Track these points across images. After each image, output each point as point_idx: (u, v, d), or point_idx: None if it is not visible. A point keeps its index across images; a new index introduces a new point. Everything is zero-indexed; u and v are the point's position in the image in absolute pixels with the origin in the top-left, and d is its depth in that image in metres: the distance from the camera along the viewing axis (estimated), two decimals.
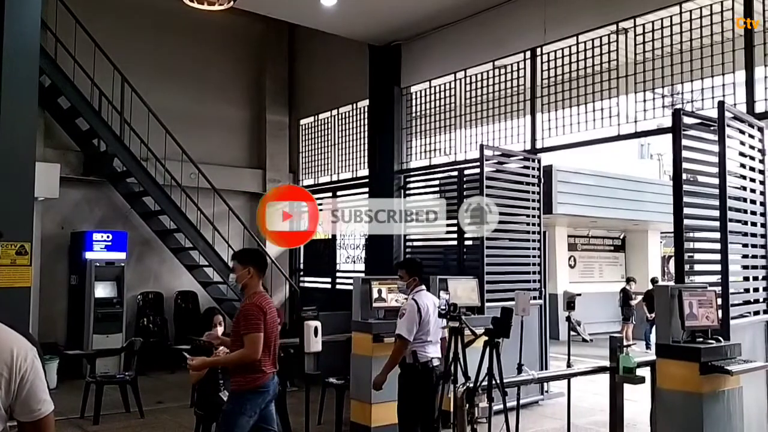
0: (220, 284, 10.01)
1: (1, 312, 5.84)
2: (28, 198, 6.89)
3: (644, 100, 6.87)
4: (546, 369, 7.52)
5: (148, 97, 9.27)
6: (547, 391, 7.70)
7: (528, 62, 8.01)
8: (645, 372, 4.87)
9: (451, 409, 4.31)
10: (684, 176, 4.99)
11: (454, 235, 8.50)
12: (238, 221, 10.39)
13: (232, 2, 5.54)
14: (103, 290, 9.02)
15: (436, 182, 9.21)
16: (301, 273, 11.89)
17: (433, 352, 4.79)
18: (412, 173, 9.50)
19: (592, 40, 7.34)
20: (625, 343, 4.89)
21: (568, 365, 5.68)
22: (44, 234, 8.77)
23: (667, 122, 6.40)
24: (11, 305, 6.48)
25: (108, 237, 9.09)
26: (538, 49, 7.87)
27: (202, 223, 9.78)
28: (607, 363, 4.96)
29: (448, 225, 8.80)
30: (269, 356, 4.16)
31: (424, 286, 5.05)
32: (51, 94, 8.63)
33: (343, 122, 11.11)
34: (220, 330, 5.49)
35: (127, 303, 9.34)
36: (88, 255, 8.93)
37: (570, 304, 5.75)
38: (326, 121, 11.50)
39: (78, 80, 8.69)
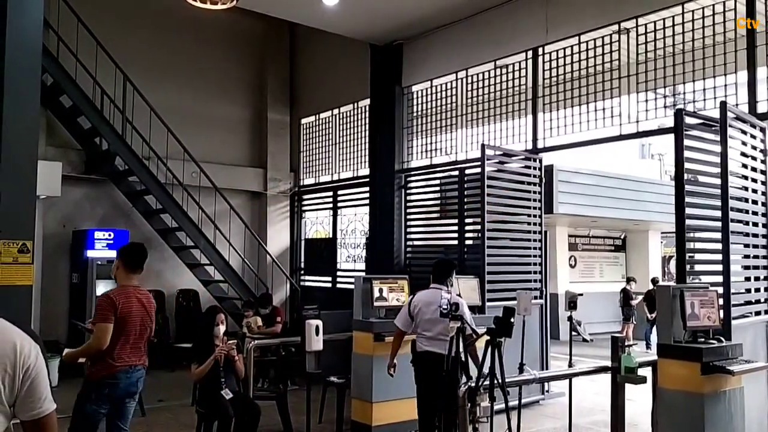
0: (222, 283, 10.04)
1: (2, 310, 5.85)
2: (30, 196, 6.89)
3: (646, 100, 6.87)
4: (547, 369, 7.52)
5: (149, 95, 9.28)
6: (547, 391, 7.70)
7: (530, 62, 8.01)
8: (646, 372, 4.88)
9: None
10: (685, 176, 4.99)
11: (455, 235, 8.51)
12: (239, 220, 10.41)
13: (234, 1, 5.54)
14: (104, 288, 8.97)
15: (437, 182, 9.22)
16: (302, 272, 11.90)
17: (429, 345, 4.99)
18: (412, 173, 9.50)
19: (594, 40, 7.34)
20: (626, 343, 4.89)
21: (570, 365, 5.68)
22: (46, 232, 8.79)
23: (669, 122, 6.39)
24: (13, 303, 6.47)
25: (110, 235, 9.10)
26: (540, 49, 7.87)
27: (204, 222, 9.80)
28: (608, 363, 4.97)
29: (448, 224, 8.82)
30: (127, 348, 4.18)
31: (437, 285, 5.20)
32: (53, 93, 8.64)
33: (344, 121, 11.12)
34: (222, 328, 5.49)
35: None
36: (90, 253, 8.93)
37: (572, 304, 5.76)
38: (327, 121, 11.51)
39: (80, 79, 8.70)
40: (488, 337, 4.09)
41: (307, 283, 11.70)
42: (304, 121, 12.00)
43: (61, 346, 8.40)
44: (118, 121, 9.08)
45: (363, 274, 8.83)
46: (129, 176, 9.31)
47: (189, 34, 10.67)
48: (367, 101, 10.26)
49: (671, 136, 5.19)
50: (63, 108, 8.97)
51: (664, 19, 6.71)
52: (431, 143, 9.30)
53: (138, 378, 4.31)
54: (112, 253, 9.03)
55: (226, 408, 5.12)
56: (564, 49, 7.63)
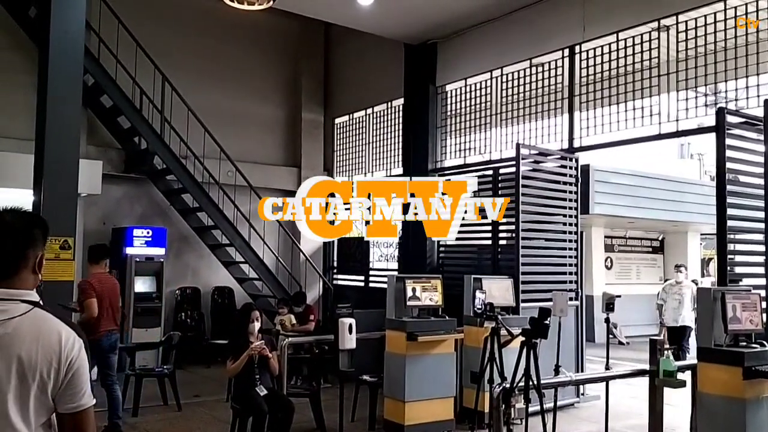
0: (256, 280, 10.15)
1: (46, 305, 6.01)
2: (72, 194, 7.08)
3: (686, 99, 6.72)
4: (582, 371, 7.42)
5: (187, 95, 9.43)
6: (582, 394, 7.60)
7: (566, 60, 7.91)
8: (685, 376, 4.78)
9: (487, 410, 4.29)
10: (727, 176, 4.87)
11: (488, 235, 8.45)
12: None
13: (271, 2, 5.60)
14: (142, 285, 9.20)
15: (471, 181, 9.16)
16: (335, 271, 11.95)
17: None
18: (446, 172, 9.46)
19: (633, 37, 7.21)
20: (665, 346, 4.80)
21: (607, 368, 5.59)
22: (86, 229, 8.99)
23: (709, 121, 6.25)
24: (55, 298, 6.65)
25: (148, 233, 9.27)
26: (577, 47, 7.76)
27: (239, 220, 9.92)
28: (645, 366, 4.87)
29: (481, 224, 8.76)
30: (106, 316, 5.98)
31: None
32: (94, 93, 8.84)
33: (378, 121, 11.14)
34: (257, 325, 5.56)
35: (165, 298, 9.50)
36: (129, 250, 9.11)
37: (609, 306, 5.66)
38: (360, 120, 11.54)
39: (120, 79, 8.89)
40: (523, 338, 4.05)
41: (339, 282, 11.75)
42: (337, 120, 12.06)
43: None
44: (157, 121, 9.25)
45: (395, 273, 8.82)
46: (167, 175, 9.48)
47: (225, 35, 10.82)
48: (401, 100, 10.25)
49: (712, 136, 5.08)
50: (103, 108, 9.17)
51: (705, 16, 6.55)
52: (465, 142, 9.25)
53: (115, 339, 6.16)
54: (151, 251, 9.25)
55: (260, 404, 5.18)
56: (602, 47, 7.51)
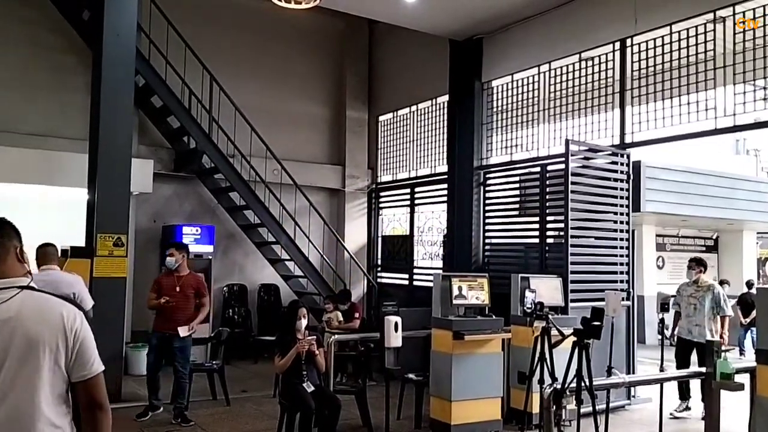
0: (301, 278, 10.23)
1: (99, 300, 6.19)
2: (125, 192, 7.27)
3: (743, 93, 6.47)
4: (634, 373, 7.22)
5: (234, 95, 9.57)
6: (634, 396, 7.39)
7: (617, 53, 7.71)
8: (743, 379, 4.59)
9: (537, 410, 4.21)
10: None
11: (536, 233, 8.32)
12: (318, 216, 10.58)
13: (318, 1, 5.62)
14: None
15: (517, 178, 9.04)
16: (379, 268, 11.96)
17: None
18: (492, 169, 9.35)
19: (687, 29, 6.97)
20: (722, 348, 4.62)
21: (661, 369, 5.42)
22: (138, 227, 9.22)
23: (767, 116, 6.01)
24: (108, 294, 6.86)
25: (197, 231, 9.44)
26: (628, 40, 7.56)
27: (284, 218, 10.02)
28: (701, 368, 4.71)
29: (528, 222, 8.63)
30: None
31: None
32: (145, 94, 9.04)
33: (422, 118, 11.09)
34: (304, 322, 5.59)
35: (213, 294, 9.65)
36: None
37: (664, 306, 5.49)
38: (405, 117, 11.51)
39: (169, 80, 9.07)
40: (575, 339, 3.96)
41: (383, 280, 11.76)
42: (381, 118, 12.05)
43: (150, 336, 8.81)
44: (205, 121, 9.41)
45: (440, 271, 8.77)
46: (215, 174, 9.64)
47: (271, 35, 10.93)
48: (446, 97, 10.17)
49: None
50: (154, 108, 9.38)
51: (764, 6, 6.29)
52: (511, 139, 9.12)
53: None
54: (200, 248, 9.41)
55: (307, 400, 5.20)
56: (654, 39, 7.29)
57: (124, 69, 7.29)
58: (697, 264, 7.28)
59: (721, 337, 6.77)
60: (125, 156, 7.24)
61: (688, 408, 6.89)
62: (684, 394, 6.90)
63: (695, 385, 6.50)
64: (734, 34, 6.52)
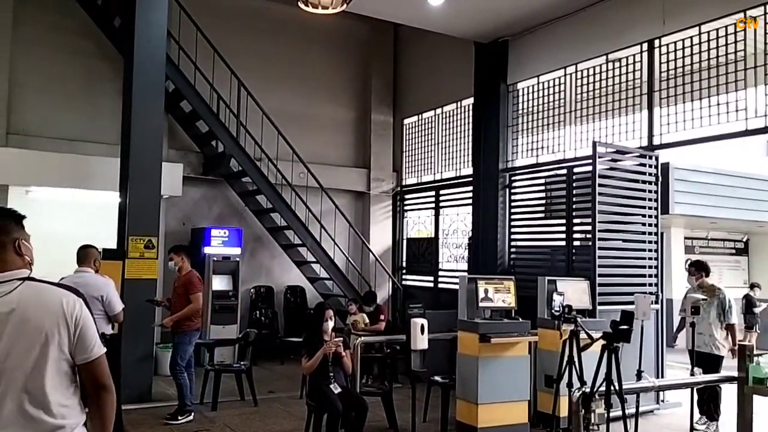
0: (327, 280, 10.30)
1: (130, 302, 6.32)
2: (156, 195, 7.40)
3: None
4: (662, 377, 7.14)
5: (261, 99, 9.68)
6: (662, 401, 7.32)
7: (645, 54, 7.64)
8: None
9: (565, 414, 4.19)
10: None
11: (562, 235, 8.28)
12: (343, 219, 10.65)
13: (345, 5, 5.67)
14: (219, 283, 9.49)
15: (542, 180, 9.00)
16: (404, 271, 11.98)
17: None
18: (517, 171, 9.32)
19: (717, 29, 6.89)
20: (755, 352, 4.55)
21: (692, 373, 5.35)
22: (167, 229, 9.37)
23: None
24: (139, 295, 6.98)
25: (225, 233, 9.56)
26: (656, 41, 7.48)
27: (310, 221, 10.10)
28: (733, 373, 4.65)
29: (554, 224, 8.59)
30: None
31: None
32: (174, 99, 9.18)
33: (447, 121, 11.10)
34: (331, 324, 5.63)
35: (241, 296, 9.78)
36: (207, 250, 9.40)
37: (694, 310, 5.42)
38: (429, 120, 11.53)
39: (198, 85, 9.21)
40: (604, 342, 3.94)
41: (408, 282, 11.77)
42: (406, 121, 12.08)
43: None
44: (233, 125, 9.53)
45: (465, 274, 8.77)
46: (242, 177, 9.75)
47: (297, 40, 11.04)
48: (471, 100, 10.16)
49: None
50: (183, 113, 9.52)
51: None
52: (537, 141, 9.08)
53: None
54: (228, 250, 9.54)
55: (335, 402, 5.24)
56: (683, 40, 7.21)
57: (154, 75, 7.42)
58: (696, 269, 6.72)
59: (731, 350, 6.12)
60: (155, 160, 7.37)
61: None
62: (711, 413, 6.28)
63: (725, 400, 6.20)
64: (765, 33, 6.42)
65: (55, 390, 2.03)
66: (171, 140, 9.68)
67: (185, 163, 9.52)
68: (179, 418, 6.39)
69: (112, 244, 7.31)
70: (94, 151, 8.64)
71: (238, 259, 9.65)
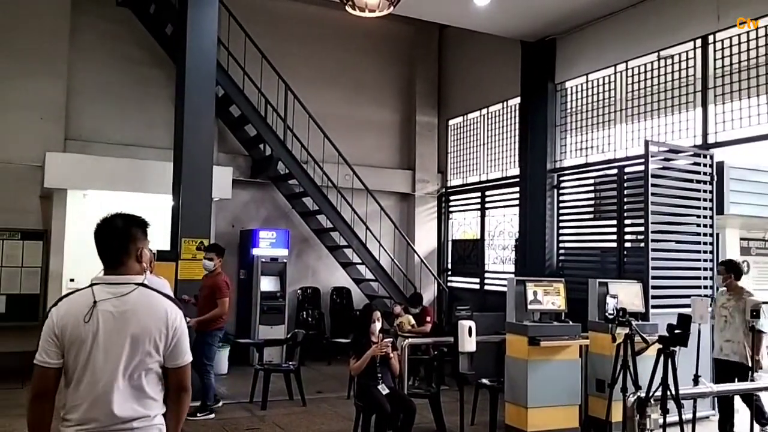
0: (372, 281, 10.35)
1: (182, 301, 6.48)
2: (207, 198, 7.57)
3: None
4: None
5: (308, 103, 9.80)
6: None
7: (698, 51, 7.43)
8: None
9: (618, 419, 4.11)
10: None
11: (613, 236, 8.11)
12: (389, 220, 10.67)
13: (391, 8, 5.68)
14: (267, 284, 9.64)
15: (592, 181, 8.84)
16: (449, 272, 11.94)
17: None
18: (565, 172, 9.18)
19: None
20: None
21: (751, 379, 5.18)
22: (217, 232, 9.56)
23: None
24: (191, 295, 7.15)
25: (272, 235, 9.71)
26: (710, 37, 7.27)
27: (356, 223, 10.17)
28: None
29: (605, 225, 8.43)
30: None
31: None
32: (223, 104, 9.38)
33: (493, 121, 11.01)
34: (378, 325, 5.65)
35: (288, 297, 9.91)
36: (255, 251, 9.58)
37: (754, 313, 5.24)
38: (475, 121, 11.46)
39: (247, 90, 9.38)
40: (660, 346, 3.85)
41: (454, 284, 11.72)
42: (451, 122, 12.04)
43: (230, 337, 9.15)
44: (280, 128, 9.68)
45: (512, 276, 8.68)
46: (289, 179, 9.89)
47: (343, 43, 11.13)
48: (517, 100, 10.06)
49: None
50: (232, 117, 9.72)
51: None
52: (586, 141, 8.93)
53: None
54: (275, 252, 9.68)
55: (383, 403, 5.26)
56: (738, 35, 6.99)
57: (205, 81, 7.60)
58: (727, 269, 6.10)
59: (753, 357, 5.64)
60: (207, 164, 7.55)
61: None
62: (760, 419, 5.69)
63: None
64: None
65: (149, 385, 2.27)
66: (221, 144, 9.89)
67: (234, 166, 9.71)
68: (198, 414, 6.52)
69: (162, 245, 7.50)
70: (148, 156, 8.90)
71: (285, 260, 9.78)
